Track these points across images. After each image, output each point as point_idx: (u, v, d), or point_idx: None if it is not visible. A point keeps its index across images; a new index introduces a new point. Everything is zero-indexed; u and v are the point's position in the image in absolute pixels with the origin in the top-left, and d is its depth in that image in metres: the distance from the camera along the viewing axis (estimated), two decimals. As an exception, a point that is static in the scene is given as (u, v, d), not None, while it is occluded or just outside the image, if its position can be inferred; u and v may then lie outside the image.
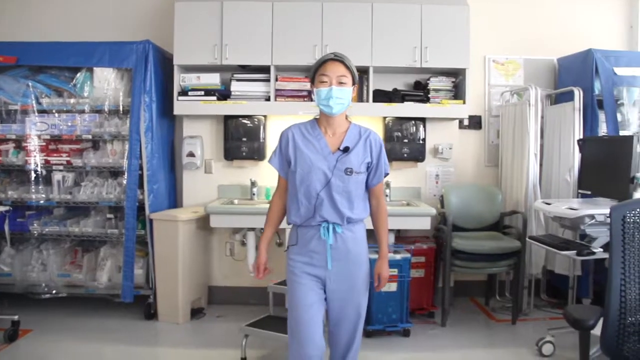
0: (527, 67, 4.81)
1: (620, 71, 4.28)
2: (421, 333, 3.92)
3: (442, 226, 4.13)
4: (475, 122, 4.77)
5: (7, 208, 3.89)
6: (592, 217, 3.11)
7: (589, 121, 4.26)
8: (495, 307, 4.48)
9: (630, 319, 1.99)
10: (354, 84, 2.35)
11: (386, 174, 2.44)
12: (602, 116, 4.26)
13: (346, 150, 2.30)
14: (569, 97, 4.28)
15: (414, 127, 4.43)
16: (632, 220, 2.02)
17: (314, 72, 2.34)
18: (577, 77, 4.41)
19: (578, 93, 4.19)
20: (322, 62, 2.31)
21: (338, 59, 2.31)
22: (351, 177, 2.30)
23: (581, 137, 4.09)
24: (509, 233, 4.26)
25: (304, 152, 2.32)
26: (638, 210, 2.03)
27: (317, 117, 2.40)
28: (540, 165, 4.49)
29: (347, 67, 2.30)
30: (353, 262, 2.35)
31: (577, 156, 4.03)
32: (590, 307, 2.61)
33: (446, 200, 4.29)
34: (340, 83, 2.28)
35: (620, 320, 1.98)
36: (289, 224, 2.41)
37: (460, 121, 4.63)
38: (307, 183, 2.29)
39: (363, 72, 4.19)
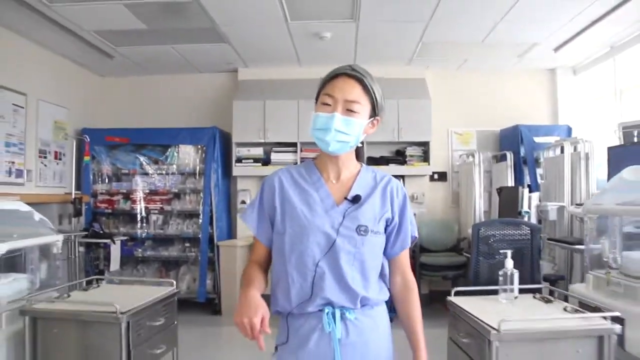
0: (479, 136, 7.33)
1: (538, 139, 6.75)
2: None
3: (415, 248, 6.58)
4: (442, 176, 7.28)
5: (125, 237, 6.49)
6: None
7: (518, 175, 6.72)
8: (458, 308, 6.85)
9: (479, 274, 4.42)
10: (374, 115, 1.77)
11: (414, 239, 1.86)
12: (527, 171, 6.73)
13: (356, 200, 1.75)
14: (505, 157, 6.75)
15: (397, 181, 6.93)
16: (481, 232, 4.47)
17: (319, 88, 1.78)
18: (510, 144, 6.90)
19: (509, 155, 6.68)
20: (332, 77, 1.74)
21: (354, 74, 1.72)
22: (366, 239, 1.71)
23: (506, 186, 6.54)
24: (462, 253, 6.68)
25: (296, 206, 1.75)
26: (483, 227, 4.49)
27: (315, 157, 1.89)
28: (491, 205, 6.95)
29: (366, 89, 1.71)
30: None
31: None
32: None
33: (419, 231, 6.75)
34: (349, 111, 1.70)
35: (475, 274, 4.41)
36: (273, 314, 1.76)
37: (432, 176, 7.13)
38: (300, 249, 1.71)
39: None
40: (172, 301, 3.02)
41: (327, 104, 1.71)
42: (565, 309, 2.44)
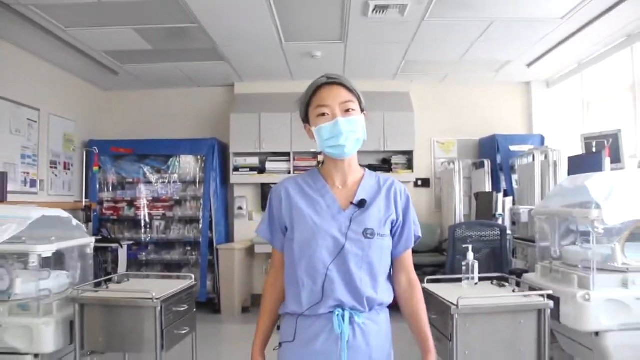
0: (459, 144, 8.06)
1: (513, 148, 7.46)
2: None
3: (401, 250, 7.25)
4: (425, 182, 7.99)
5: (131, 242, 7.12)
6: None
7: (495, 181, 7.42)
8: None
9: (454, 269, 5.11)
10: (362, 110, 1.91)
11: (417, 238, 2.00)
12: (503, 177, 7.43)
13: (362, 204, 1.86)
14: (483, 164, 7.45)
15: (383, 187, 7.63)
16: (457, 233, 5.15)
17: (306, 106, 1.93)
18: (488, 152, 7.62)
19: (487, 162, 7.38)
20: (315, 90, 1.90)
21: (335, 81, 1.88)
22: (373, 242, 1.83)
23: (483, 191, 7.24)
24: (444, 253, 7.36)
25: (304, 212, 1.87)
26: (459, 229, 5.17)
27: (318, 165, 1.93)
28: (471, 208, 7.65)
29: (350, 90, 1.88)
30: None
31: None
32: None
33: (404, 233, 7.45)
34: (347, 111, 1.85)
35: (450, 269, 5.07)
36: (283, 315, 1.95)
37: (415, 182, 7.82)
38: (309, 254, 1.83)
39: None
40: (192, 292, 3.69)
41: (324, 114, 1.86)
42: (513, 291, 3.12)
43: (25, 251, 3.27)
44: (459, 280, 3.44)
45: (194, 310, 3.73)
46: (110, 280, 3.74)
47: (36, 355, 3.22)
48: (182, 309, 3.48)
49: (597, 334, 3.00)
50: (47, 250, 3.32)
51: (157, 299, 3.15)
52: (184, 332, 3.49)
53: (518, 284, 3.39)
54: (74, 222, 3.84)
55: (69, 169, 7.18)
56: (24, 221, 3.38)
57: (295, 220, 1.88)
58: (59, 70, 6.98)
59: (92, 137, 7.53)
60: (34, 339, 3.18)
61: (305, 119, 1.96)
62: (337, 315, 1.80)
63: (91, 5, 5.01)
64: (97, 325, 3.25)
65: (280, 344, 1.91)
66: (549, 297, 2.91)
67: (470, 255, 3.33)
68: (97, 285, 3.65)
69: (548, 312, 2.83)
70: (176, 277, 4.04)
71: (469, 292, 3.06)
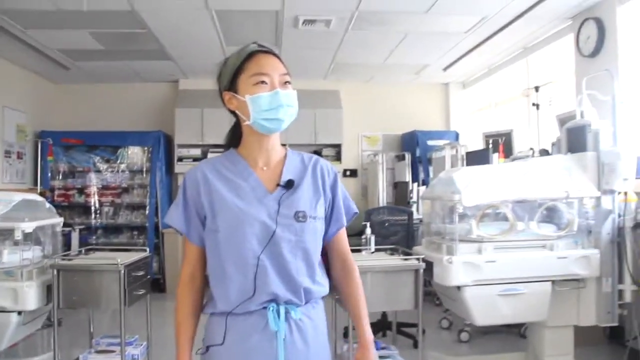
0: (384, 139, 9.24)
1: (431, 142, 8.65)
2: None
3: (330, 233, 8.34)
4: (353, 173, 9.13)
5: (82, 226, 7.98)
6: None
7: (414, 171, 8.60)
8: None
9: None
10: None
11: (354, 214, 1.93)
12: (422, 168, 8.62)
13: (290, 184, 1.75)
14: (404, 157, 8.61)
15: (315, 177, 8.71)
16: (372, 216, 6.25)
17: (234, 72, 1.79)
18: (409, 146, 8.80)
19: (408, 155, 8.55)
20: (249, 56, 1.77)
21: (270, 51, 1.81)
22: (306, 225, 1.72)
23: (400, 181, 8.41)
24: (368, 236, 8.50)
25: (226, 198, 1.72)
26: (376, 213, 6.27)
27: (230, 147, 1.88)
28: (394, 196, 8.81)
29: (283, 64, 1.79)
30: None
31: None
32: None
33: (333, 218, 8.56)
34: (285, 84, 1.76)
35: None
36: (210, 313, 1.77)
37: (344, 172, 8.93)
38: (236, 244, 1.68)
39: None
40: (147, 261, 4.66)
41: (263, 83, 1.72)
42: (399, 257, 4.22)
43: (12, 227, 4.15)
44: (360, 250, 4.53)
45: (148, 276, 4.71)
46: (80, 252, 4.66)
47: (19, 313, 4.13)
48: (140, 274, 4.45)
49: (458, 288, 4.12)
50: (29, 226, 4.21)
51: (121, 264, 4.10)
52: (141, 292, 4.47)
53: (406, 253, 4.48)
54: (47, 205, 4.75)
55: (21, 158, 7.95)
56: (8, 203, 4.28)
57: (217, 208, 1.73)
58: (11, 65, 7.72)
59: (44, 128, 8.31)
60: (18, 299, 4.06)
61: (230, 87, 1.83)
62: (272, 310, 1.68)
63: (51, 12, 5.81)
64: (71, 287, 4.17)
65: (207, 348, 1.76)
66: (426, 261, 4.02)
67: (368, 230, 4.43)
68: (67, 256, 4.56)
69: (421, 271, 3.94)
70: (134, 251, 4.95)
71: (365, 257, 4.15)
